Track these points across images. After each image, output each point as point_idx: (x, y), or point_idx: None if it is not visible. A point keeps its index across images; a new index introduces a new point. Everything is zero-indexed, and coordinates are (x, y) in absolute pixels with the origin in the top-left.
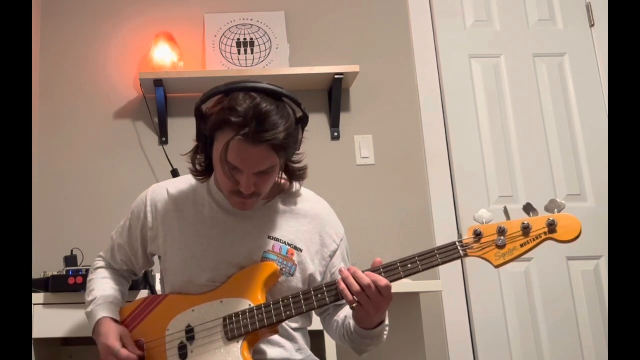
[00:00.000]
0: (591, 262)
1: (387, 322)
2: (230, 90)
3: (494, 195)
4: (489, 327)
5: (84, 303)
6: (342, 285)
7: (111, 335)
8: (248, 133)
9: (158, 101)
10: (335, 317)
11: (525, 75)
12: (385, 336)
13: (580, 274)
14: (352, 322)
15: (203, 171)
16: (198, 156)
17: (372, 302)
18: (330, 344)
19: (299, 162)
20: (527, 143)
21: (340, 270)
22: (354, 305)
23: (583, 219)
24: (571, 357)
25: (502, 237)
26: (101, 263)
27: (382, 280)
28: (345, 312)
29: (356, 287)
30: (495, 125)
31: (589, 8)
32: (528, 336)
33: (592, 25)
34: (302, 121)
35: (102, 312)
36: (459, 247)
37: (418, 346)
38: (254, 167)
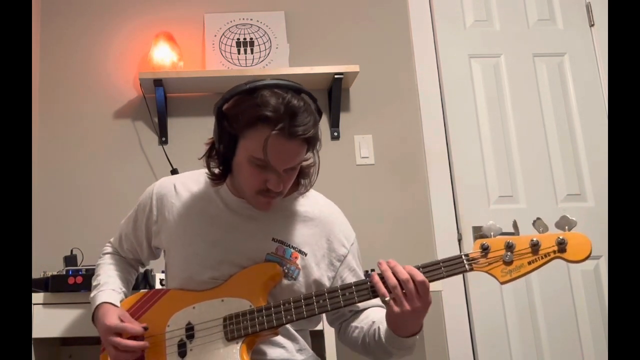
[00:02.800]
0: (591, 262)
1: (417, 336)
2: (253, 89)
3: (494, 195)
4: (489, 327)
5: (83, 303)
6: (376, 279)
7: (109, 315)
8: (284, 128)
9: (158, 101)
10: (355, 323)
11: (525, 75)
12: (413, 349)
13: (580, 274)
14: (382, 327)
15: (220, 175)
16: (212, 160)
17: (407, 300)
18: (330, 344)
19: (306, 159)
20: (527, 143)
21: (379, 263)
22: (387, 299)
23: (583, 219)
24: (571, 357)
25: (509, 253)
26: (110, 249)
27: (419, 276)
28: (374, 318)
29: (393, 280)
30: (495, 125)
31: (589, 8)
32: (528, 336)
33: (592, 25)
34: (319, 116)
35: (102, 298)
36: (465, 262)
37: (418, 346)
38: (287, 163)
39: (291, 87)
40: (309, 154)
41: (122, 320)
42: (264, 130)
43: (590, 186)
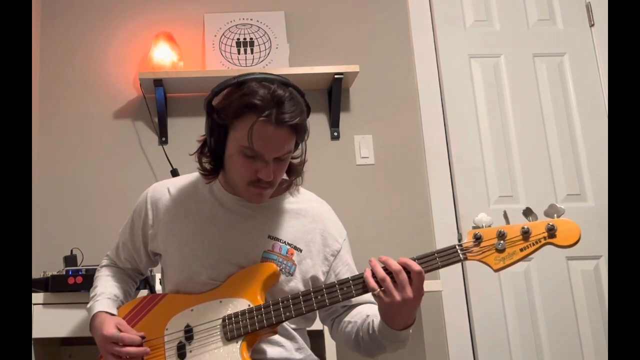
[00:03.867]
0: (591, 262)
1: (410, 330)
2: (242, 82)
3: (494, 195)
4: (489, 327)
5: (83, 303)
6: (368, 273)
7: (107, 325)
8: (271, 115)
9: (158, 101)
10: (347, 318)
11: (525, 75)
12: (407, 342)
13: (580, 274)
14: (376, 320)
15: (212, 170)
16: (204, 156)
17: (398, 291)
18: (330, 344)
19: (297, 157)
20: (527, 143)
21: (369, 260)
22: (376, 292)
23: (583, 219)
24: (571, 356)
25: (501, 242)
26: (107, 262)
27: (416, 266)
28: (368, 312)
29: (381, 273)
30: (495, 125)
31: (589, 8)
32: (528, 336)
33: (592, 25)
34: (307, 111)
35: (98, 308)
36: (459, 251)
37: (418, 346)
38: (276, 151)
39: (278, 80)
40: (300, 151)
41: (119, 330)
42: (252, 118)
43: (590, 186)
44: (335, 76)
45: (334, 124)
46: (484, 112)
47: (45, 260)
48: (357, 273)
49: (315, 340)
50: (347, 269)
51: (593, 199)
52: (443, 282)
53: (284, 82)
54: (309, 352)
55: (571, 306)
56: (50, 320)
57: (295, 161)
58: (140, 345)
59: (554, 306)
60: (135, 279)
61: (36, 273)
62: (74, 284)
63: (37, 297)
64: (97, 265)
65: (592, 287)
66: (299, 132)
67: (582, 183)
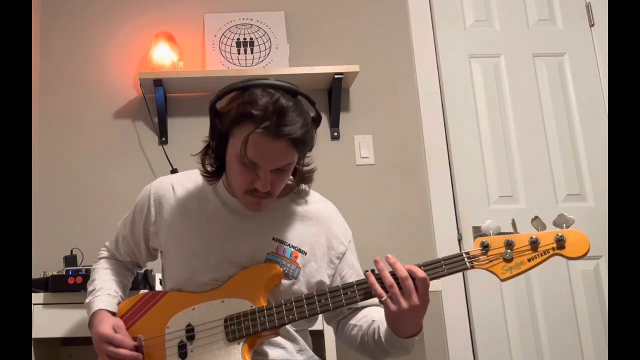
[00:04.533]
0: (591, 262)
1: (417, 338)
2: (247, 87)
3: (494, 195)
4: (489, 327)
5: (83, 303)
6: (373, 279)
7: (104, 324)
8: (269, 127)
9: (158, 101)
10: (353, 321)
11: (525, 75)
12: (412, 350)
13: (580, 274)
14: (382, 327)
15: (214, 172)
16: (207, 158)
17: (404, 298)
18: (330, 344)
19: (307, 164)
20: (527, 143)
21: (375, 261)
22: (383, 299)
23: (583, 219)
24: (571, 357)
25: (509, 251)
26: (105, 253)
27: (420, 273)
28: (373, 317)
29: (389, 279)
30: (495, 125)
31: (589, 8)
32: (528, 336)
33: (592, 25)
34: (316, 121)
35: (98, 305)
36: (465, 259)
37: (418, 346)
38: (273, 163)
39: (286, 88)
40: (309, 159)
41: (115, 332)
42: (249, 128)
43: (590, 186)
44: (335, 76)
45: (334, 124)
46: (484, 112)
47: (45, 260)
48: (362, 274)
49: (315, 340)
50: (352, 271)
51: (593, 199)
52: (443, 283)
53: (291, 90)
54: (311, 353)
55: (571, 306)
56: (50, 320)
57: (306, 169)
58: (133, 349)
59: (554, 306)
60: (133, 271)
61: (36, 273)
62: (74, 284)
63: (37, 297)
64: None
65: (592, 287)
66: (300, 145)
67: (582, 183)
